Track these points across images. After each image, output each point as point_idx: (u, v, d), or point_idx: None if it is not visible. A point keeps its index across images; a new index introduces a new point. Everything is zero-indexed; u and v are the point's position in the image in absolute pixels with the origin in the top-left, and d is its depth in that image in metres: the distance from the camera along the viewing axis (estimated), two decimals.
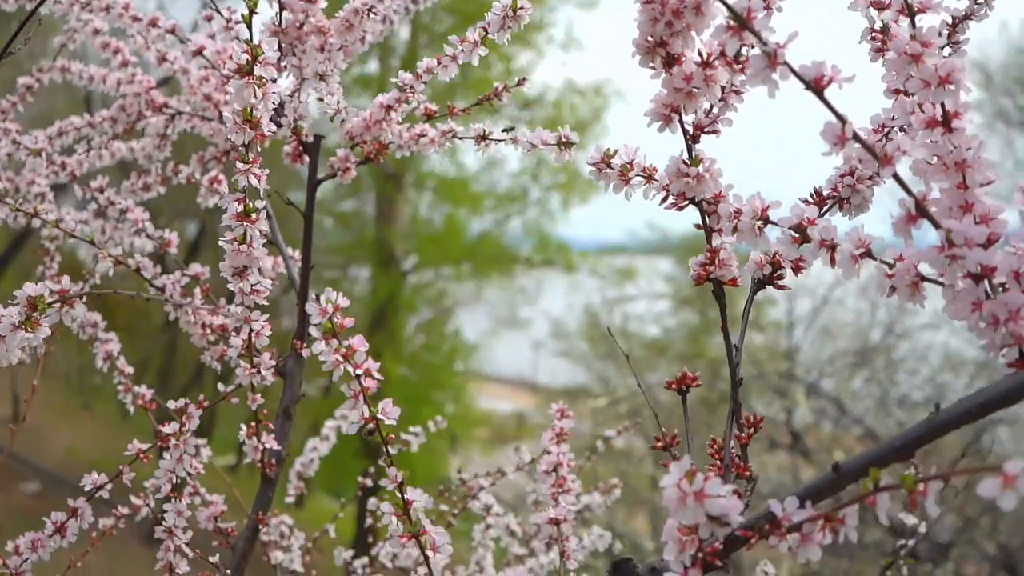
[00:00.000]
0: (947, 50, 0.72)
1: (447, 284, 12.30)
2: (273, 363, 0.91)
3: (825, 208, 0.69)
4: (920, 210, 0.51)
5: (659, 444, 0.59)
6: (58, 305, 0.66)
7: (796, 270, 0.67)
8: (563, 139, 0.86)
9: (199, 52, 1.04)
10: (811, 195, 0.69)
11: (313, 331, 0.61)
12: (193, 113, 1.18)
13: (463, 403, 10.92)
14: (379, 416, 0.63)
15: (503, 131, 0.97)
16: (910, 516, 1.10)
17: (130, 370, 1.10)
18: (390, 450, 0.64)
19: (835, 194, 0.68)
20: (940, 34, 0.71)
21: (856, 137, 0.50)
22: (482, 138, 0.95)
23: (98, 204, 1.17)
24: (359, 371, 0.62)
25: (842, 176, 0.68)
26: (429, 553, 0.64)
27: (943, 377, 7.46)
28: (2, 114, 1.29)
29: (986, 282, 0.53)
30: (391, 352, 10.59)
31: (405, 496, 0.64)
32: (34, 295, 0.65)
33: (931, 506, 0.45)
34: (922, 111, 0.55)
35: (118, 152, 1.35)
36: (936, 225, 0.51)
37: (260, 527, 0.99)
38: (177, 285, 1.04)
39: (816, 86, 0.50)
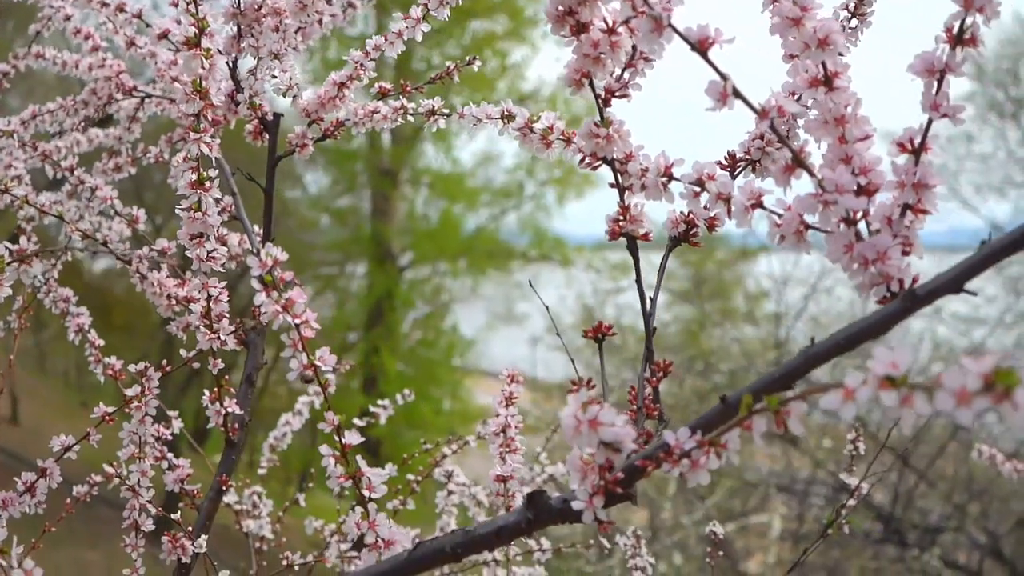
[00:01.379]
0: (854, 21, 0.76)
1: (443, 280, 12.35)
2: (232, 329, 0.96)
3: (738, 170, 0.73)
4: (797, 161, 0.56)
5: (574, 388, 0.63)
6: (16, 264, 0.70)
7: (711, 227, 0.71)
8: (506, 113, 0.90)
9: (164, 36, 1.08)
10: (725, 157, 0.73)
11: (254, 283, 0.66)
12: (162, 96, 1.23)
13: (460, 399, 10.96)
14: (316, 363, 0.67)
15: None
16: (851, 477, 1.14)
17: (101, 342, 1.14)
18: (327, 393, 0.68)
19: (747, 156, 0.72)
20: (847, 6, 0.76)
21: (736, 93, 0.55)
22: (431, 113, 1.00)
23: (70, 184, 1.21)
24: (298, 321, 0.66)
25: (754, 139, 0.72)
26: (365, 492, 0.69)
27: (935, 367, 7.51)
28: None
29: (864, 227, 0.57)
30: (388, 348, 10.64)
31: (343, 440, 0.69)
32: None
33: (795, 426, 0.50)
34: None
35: (96, 138, 1.39)
36: (811, 174, 0.56)
37: (224, 489, 1.03)
38: (144, 260, 1.09)
39: (701, 47, 0.55)
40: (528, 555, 1.25)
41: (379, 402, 1.45)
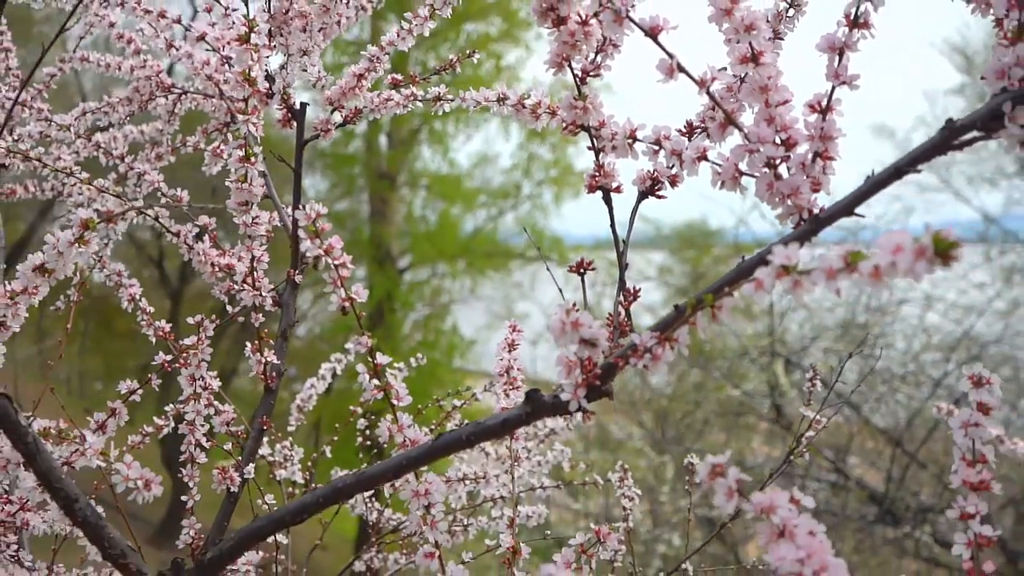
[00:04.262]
0: (791, 11, 0.92)
1: (443, 281, 12.51)
2: (272, 287, 1.11)
3: (695, 136, 0.89)
4: (728, 119, 0.72)
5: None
6: (104, 223, 0.86)
7: (672, 183, 0.87)
8: (501, 96, 1.06)
9: (202, 38, 1.24)
10: (684, 125, 0.89)
11: (301, 232, 0.81)
12: (197, 92, 1.38)
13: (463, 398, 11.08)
14: (352, 296, 0.83)
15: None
16: (808, 409, 1.30)
17: (151, 309, 1.30)
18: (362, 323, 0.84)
19: (702, 125, 0.88)
20: None
21: (680, 68, 0.71)
22: (438, 98, 1.16)
23: (118, 172, 1.37)
24: (337, 262, 0.82)
25: (706, 111, 0.88)
26: (394, 401, 0.85)
27: (926, 355, 7.66)
28: (31, 100, 1.49)
29: (785, 170, 0.73)
30: (389, 349, 10.79)
31: (375, 360, 0.85)
32: (85, 217, 0.85)
33: (726, 315, 0.65)
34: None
35: (129, 135, 1.55)
36: (740, 129, 0.71)
37: (264, 428, 1.19)
38: (190, 235, 1.24)
39: (653, 33, 0.71)
40: (531, 491, 1.40)
41: (394, 364, 1.60)
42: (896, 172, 0.65)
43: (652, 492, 7.54)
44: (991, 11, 0.67)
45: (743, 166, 0.72)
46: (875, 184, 0.66)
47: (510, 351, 1.17)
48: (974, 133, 0.65)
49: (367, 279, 11.57)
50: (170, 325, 1.26)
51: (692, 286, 10.92)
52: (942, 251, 0.48)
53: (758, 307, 9.26)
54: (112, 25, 1.41)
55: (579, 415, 0.77)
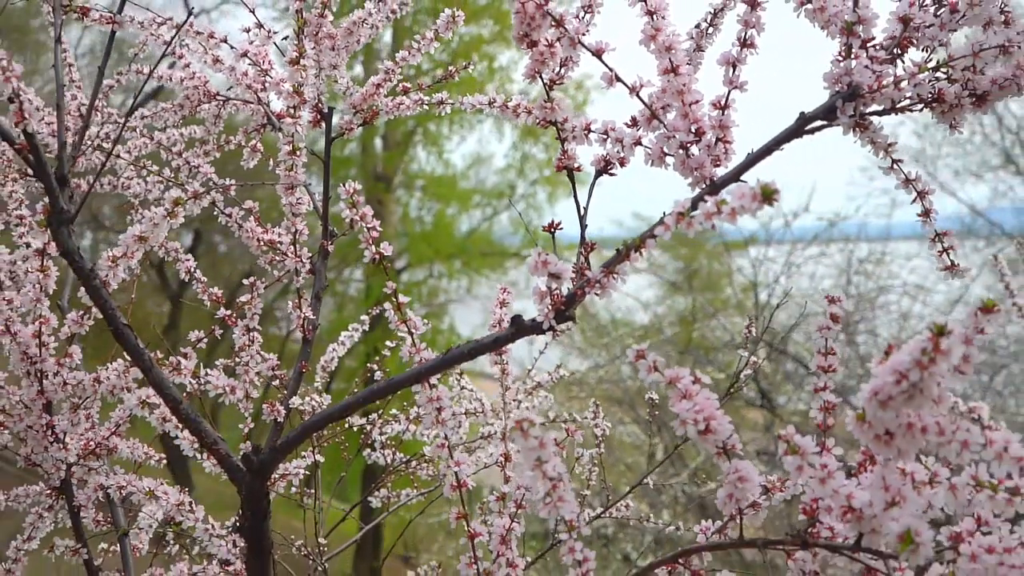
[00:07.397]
0: (711, 29, 1.19)
1: (439, 281, 12.76)
2: (310, 255, 1.39)
3: (636, 127, 1.16)
4: (652, 115, 0.99)
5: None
6: (192, 199, 1.13)
7: (621, 164, 1.14)
8: (492, 100, 1.33)
9: (245, 54, 1.52)
10: (630, 119, 1.16)
11: (342, 203, 1.09)
12: (238, 99, 1.66)
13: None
14: (381, 251, 1.11)
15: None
16: (744, 352, 1.57)
17: (205, 279, 1.57)
18: (388, 272, 1.11)
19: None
20: (705, 19, 1.19)
21: (617, 78, 0.98)
22: (441, 103, 1.43)
23: (171, 167, 1.64)
24: (368, 225, 1.10)
25: (643, 108, 1.16)
26: (413, 330, 1.12)
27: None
28: (96, 109, 1.77)
29: (696, 150, 1.01)
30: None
31: (398, 299, 1.12)
32: (175, 197, 1.13)
33: (648, 256, 0.93)
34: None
35: (172, 137, 1.82)
36: (661, 122, 0.99)
37: (303, 371, 1.46)
38: (236, 217, 1.52)
39: (597, 53, 0.98)
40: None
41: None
42: (767, 150, 0.93)
43: (656, 492, 7.82)
44: (836, 35, 0.94)
45: (666, 148, 1.00)
46: (753, 159, 0.94)
47: (501, 308, 1.45)
48: (820, 122, 0.93)
49: (364, 280, 11.84)
50: (222, 291, 1.53)
51: (685, 281, 11.20)
52: (767, 195, 0.75)
53: (751, 302, 9.56)
54: (167, 43, 1.68)
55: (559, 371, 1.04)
